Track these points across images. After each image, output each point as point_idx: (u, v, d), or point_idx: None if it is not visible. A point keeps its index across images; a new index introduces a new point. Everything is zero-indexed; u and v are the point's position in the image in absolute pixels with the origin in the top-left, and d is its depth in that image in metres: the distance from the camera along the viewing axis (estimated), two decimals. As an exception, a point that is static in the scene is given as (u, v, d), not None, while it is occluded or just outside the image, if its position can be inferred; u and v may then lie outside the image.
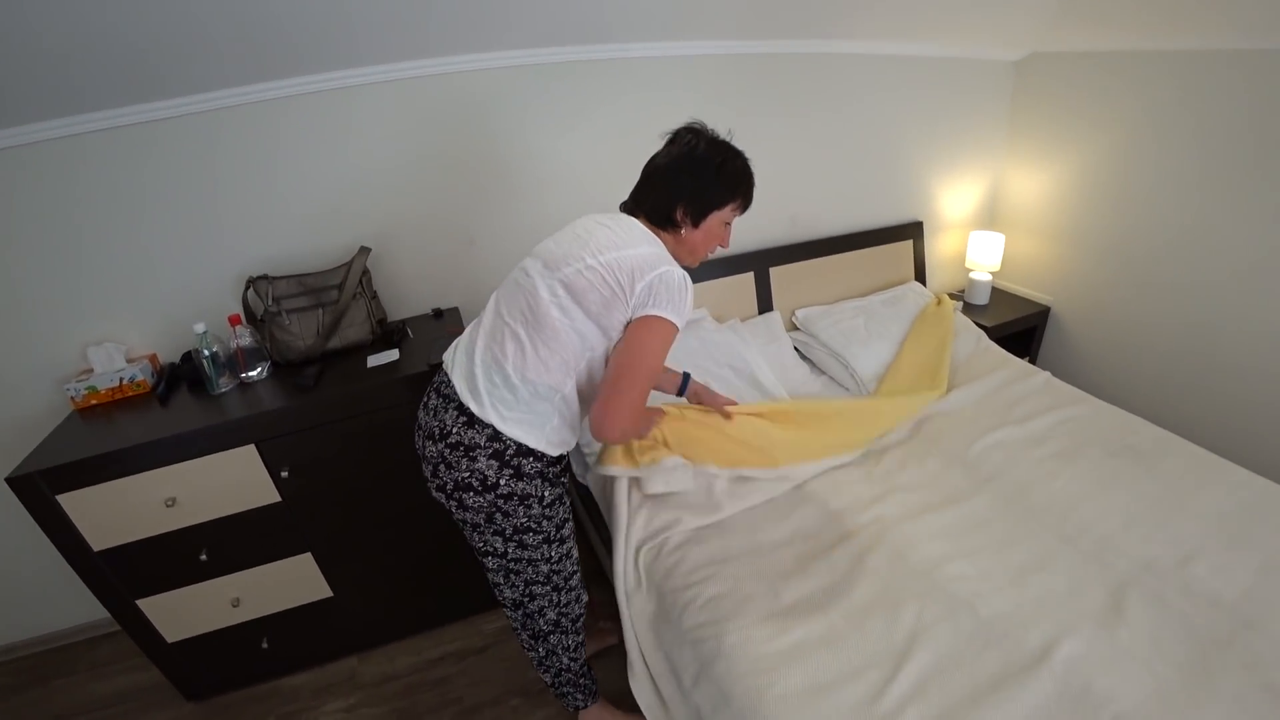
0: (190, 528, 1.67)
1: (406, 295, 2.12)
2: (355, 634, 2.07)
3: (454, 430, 1.24)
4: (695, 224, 1.31)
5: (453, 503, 1.29)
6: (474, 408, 1.23)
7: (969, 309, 2.93)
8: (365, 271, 1.86)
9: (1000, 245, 2.94)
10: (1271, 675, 1.27)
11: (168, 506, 1.61)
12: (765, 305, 2.48)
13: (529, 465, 1.26)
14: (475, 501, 1.26)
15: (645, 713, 1.52)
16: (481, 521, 1.30)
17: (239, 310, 1.81)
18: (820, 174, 2.61)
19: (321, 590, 1.91)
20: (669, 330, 1.20)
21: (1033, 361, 3.05)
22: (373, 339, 1.90)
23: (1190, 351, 2.55)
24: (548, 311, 1.21)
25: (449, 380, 1.30)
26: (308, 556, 1.84)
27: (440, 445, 1.26)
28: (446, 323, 2.05)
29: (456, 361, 1.31)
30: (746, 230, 2.39)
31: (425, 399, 1.36)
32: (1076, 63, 2.63)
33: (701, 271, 2.26)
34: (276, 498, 1.72)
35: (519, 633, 1.55)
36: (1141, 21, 2.29)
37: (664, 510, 1.72)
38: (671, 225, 1.31)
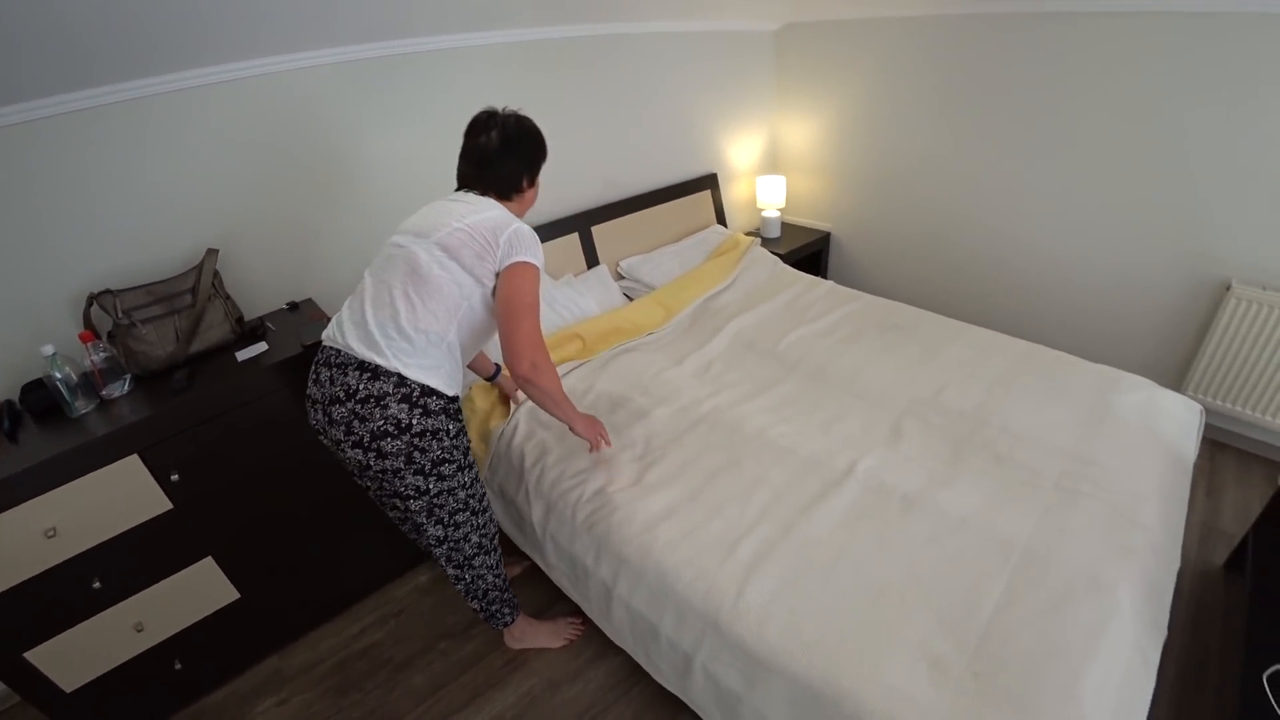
0: (77, 557, 1.58)
1: (259, 292, 2.14)
2: (271, 632, 2.08)
3: (361, 387, 1.40)
4: (532, 184, 1.61)
5: (371, 453, 1.42)
6: (380, 361, 1.40)
7: (765, 242, 3.44)
8: (216, 273, 1.90)
9: (783, 186, 3.48)
10: (998, 450, 1.83)
11: (48, 538, 1.52)
12: (592, 260, 2.79)
13: (434, 403, 1.44)
14: (394, 446, 1.42)
15: (564, 584, 1.84)
16: (402, 465, 1.44)
17: (83, 329, 1.73)
18: (625, 141, 2.95)
19: (228, 594, 1.89)
20: (533, 271, 1.46)
21: (823, 276, 3.63)
22: (235, 337, 1.93)
23: (933, 250, 3.27)
24: (430, 269, 1.43)
25: (339, 350, 1.45)
26: (209, 561, 1.83)
27: (350, 404, 1.40)
28: (305, 312, 2.10)
29: (345, 331, 1.46)
30: (567, 196, 2.68)
31: (314, 375, 1.50)
32: (825, 29, 3.22)
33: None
34: (168, 505, 1.70)
35: (445, 566, 1.71)
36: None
37: (541, 431, 1.99)
38: (516, 193, 1.59)
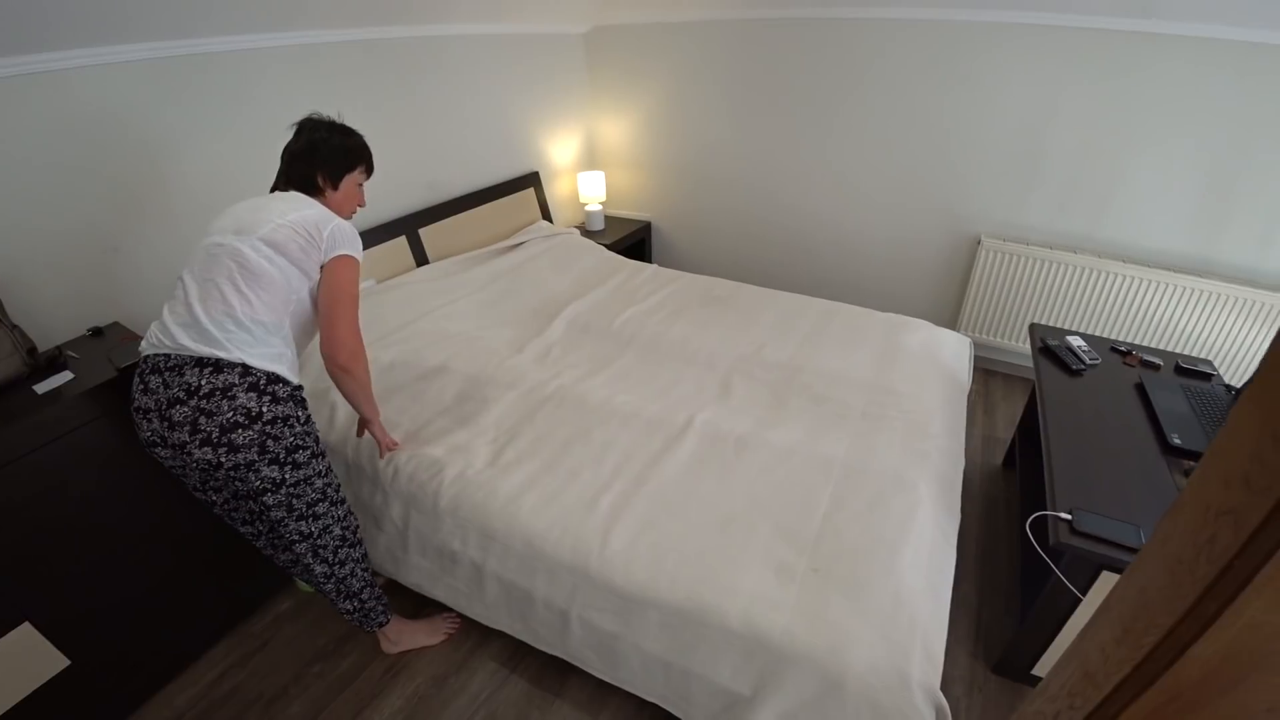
0: None
1: (54, 319, 1.89)
2: (113, 697, 1.85)
3: (203, 383, 1.37)
4: (335, 186, 1.63)
5: (222, 449, 1.38)
6: (220, 354, 1.37)
7: (591, 234, 3.61)
8: (-5, 301, 1.70)
9: (602, 181, 3.67)
10: (814, 391, 2.12)
11: None
12: (422, 261, 2.79)
13: (282, 390, 1.45)
14: (245, 436, 1.39)
15: (428, 584, 1.86)
16: (255, 456, 1.42)
17: None
18: (445, 143, 2.96)
19: (56, 662, 1.68)
20: (354, 264, 1.53)
21: (648, 262, 3.86)
22: (29, 370, 1.73)
23: (743, 229, 3.64)
24: (259, 263, 1.43)
25: (169, 354, 1.39)
26: (27, 628, 1.61)
27: (193, 402, 1.36)
28: (113, 337, 1.91)
29: (174, 334, 1.40)
30: (391, 200, 2.67)
31: (140, 385, 1.42)
32: (629, 32, 3.46)
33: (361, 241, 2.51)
34: (-36, 572, 1.50)
35: (314, 565, 1.67)
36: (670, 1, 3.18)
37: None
38: (316, 191, 1.61)
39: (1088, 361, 2.27)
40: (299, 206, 1.51)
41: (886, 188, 3.25)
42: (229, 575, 2.04)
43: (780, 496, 1.68)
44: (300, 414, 1.50)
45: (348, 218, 1.66)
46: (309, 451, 1.53)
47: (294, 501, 1.54)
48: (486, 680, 1.90)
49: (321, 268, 1.50)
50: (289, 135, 1.64)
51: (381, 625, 1.89)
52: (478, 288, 2.69)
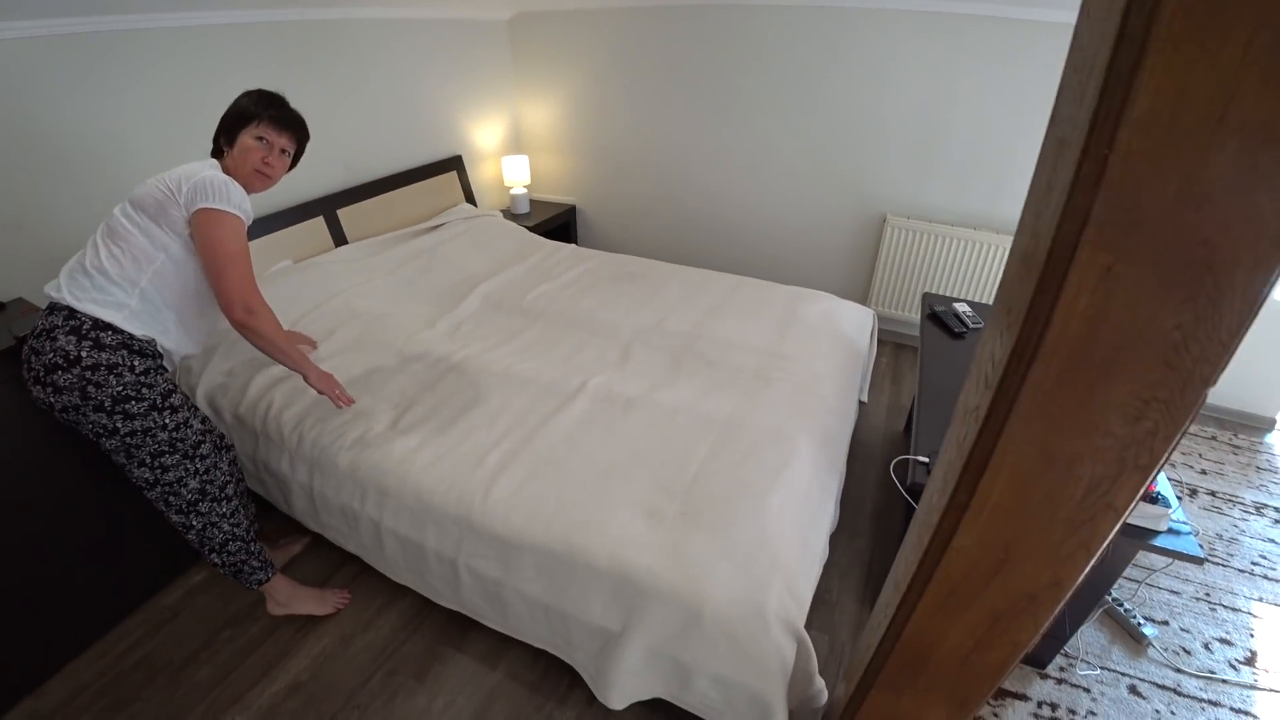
0: None
1: None
2: (16, 674, 1.84)
3: (40, 323, 1.44)
4: (230, 143, 1.61)
5: (48, 389, 1.43)
6: (54, 296, 1.45)
7: (516, 218, 3.67)
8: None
9: (527, 165, 3.73)
10: (709, 357, 2.22)
11: None
12: (341, 242, 2.82)
13: (109, 338, 1.45)
14: (65, 379, 1.42)
15: (342, 540, 1.93)
16: (78, 400, 1.44)
17: None
18: (363, 125, 2.98)
19: None
20: (226, 218, 1.49)
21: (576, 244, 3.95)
22: None
23: (662, 210, 3.75)
24: (119, 221, 1.49)
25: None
26: None
27: (31, 340, 1.44)
28: (14, 311, 1.89)
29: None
30: (307, 180, 2.69)
31: (33, 345, 1.47)
32: (551, 19, 3.53)
33: (274, 222, 2.54)
34: None
35: (167, 514, 1.69)
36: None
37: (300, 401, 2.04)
38: (219, 152, 1.64)
39: (970, 325, 2.42)
40: (186, 168, 1.52)
41: (797, 169, 3.38)
42: (139, 549, 2.06)
43: (660, 450, 1.78)
44: (135, 363, 1.50)
45: (251, 179, 1.62)
46: (146, 403, 1.53)
47: (133, 450, 1.55)
48: (390, 637, 1.97)
49: (190, 223, 1.50)
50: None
51: (260, 583, 1.90)
52: (394, 267, 2.74)
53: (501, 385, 2.04)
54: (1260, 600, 2.17)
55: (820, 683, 1.50)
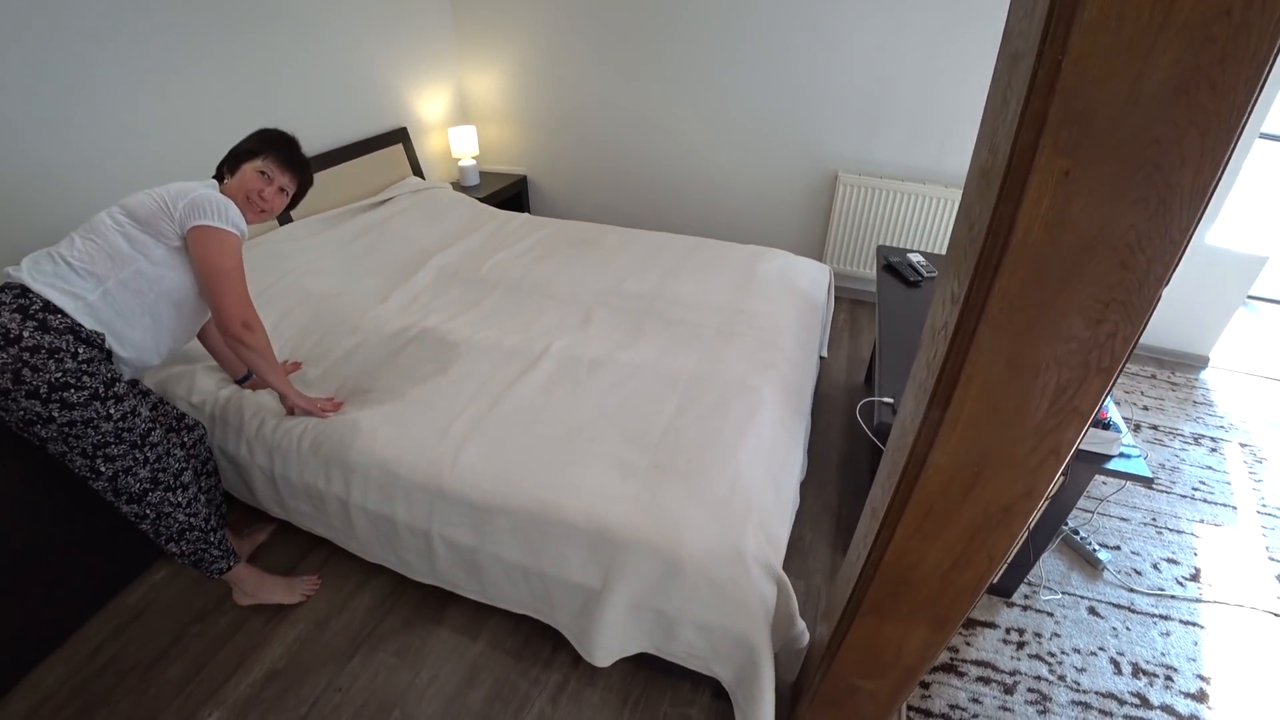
0: None
1: None
2: None
3: None
4: (233, 171, 1.68)
5: None
6: (11, 275, 1.41)
7: (466, 190, 3.59)
8: None
9: (474, 135, 3.64)
10: (670, 317, 2.23)
11: None
12: (286, 219, 2.71)
13: (57, 321, 1.39)
14: (0, 359, 1.34)
15: (309, 523, 1.91)
16: (9, 384, 1.34)
17: None
18: (303, 97, 2.85)
19: None
20: (222, 234, 1.53)
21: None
22: None
23: (615, 176, 3.72)
24: (101, 221, 1.51)
25: None
26: None
27: None
28: None
29: None
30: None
31: None
32: None
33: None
34: None
35: (118, 505, 1.61)
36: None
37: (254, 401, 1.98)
38: (220, 177, 1.71)
39: (925, 275, 2.47)
40: (181, 185, 1.58)
41: (748, 130, 3.38)
42: (98, 549, 1.97)
43: (627, 407, 1.78)
44: (79, 350, 1.43)
45: (244, 208, 1.65)
46: (87, 392, 1.44)
47: (72, 441, 1.47)
48: (366, 618, 1.94)
49: (184, 239, 1.53)
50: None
51: (222, 572, 1.85)
52: (342, 244, 2.65)
53: (463, 354, 2.01)
54: (1201, 522, 2.32)
55: (801, 624, 1.54)
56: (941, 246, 3.27)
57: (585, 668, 1.79)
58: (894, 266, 2.52)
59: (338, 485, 1.73)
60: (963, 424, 0.88)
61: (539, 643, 1.85)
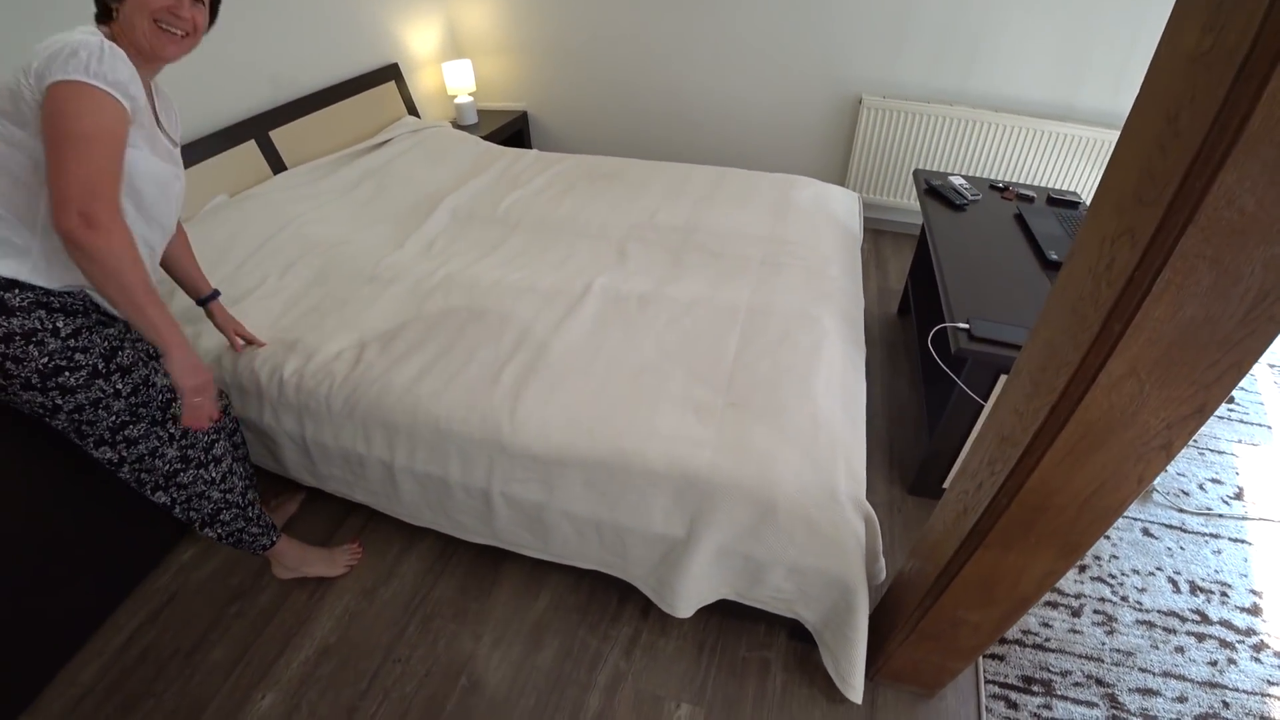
0: None
1: None
2: (2, 694, 1.59)
3: None
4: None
5: None
6: None
7: (465, 128, 3.36)
8: None
9: (470, 70, 3.40)
10: (710, 249, 2.09)
11: None
12: (279, 167, 2.51)
13: (16, 299, 1.13)
14: None
15: (347, 490, 1.77)
16: (1, 382, 1.16)
17: None
18: (286, 32, 2.58)
19: None
20: (79, 89, 1.04)
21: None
22: None
23: (625, 108, 3.51)
24: None
25: None
26: None
27: None
28: None
29: None
30: (232, 99, 2.35)
31: None
32: None
33: (200, 150, 2.20)
34: None
35: (148, 492, 1.44)
36: None
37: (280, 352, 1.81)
38: (108, 15, 1.16)
39: (969, 197, 2.33)
40: (50, 39, 1.07)
41: (765, 54, 3.16)
42: (117, 535, 1.82)
43: (690, 344, 1.65)
44: (60, 324, 1.17)
45: (156, 42, 1.17)
46: (85, 371, 1.21)
47: (86, 429, 1.28)
48: (418, 584, 1.83)
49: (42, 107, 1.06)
50: None
51: (265, 549, 1.71)
52: (344, 190, 2.45)
53: (496, 298, 1.85)
54: (1239, 441, 2.35)
55: (882, 560, 1.47)
56: (972, 169, 3.12)
57: (655, 618, 1.70)
58: (937, 190, 2.38)
59: (379, 448, 1.59)
60: (1145, 337, 0.77)
61: (604, 596, 1.76)
